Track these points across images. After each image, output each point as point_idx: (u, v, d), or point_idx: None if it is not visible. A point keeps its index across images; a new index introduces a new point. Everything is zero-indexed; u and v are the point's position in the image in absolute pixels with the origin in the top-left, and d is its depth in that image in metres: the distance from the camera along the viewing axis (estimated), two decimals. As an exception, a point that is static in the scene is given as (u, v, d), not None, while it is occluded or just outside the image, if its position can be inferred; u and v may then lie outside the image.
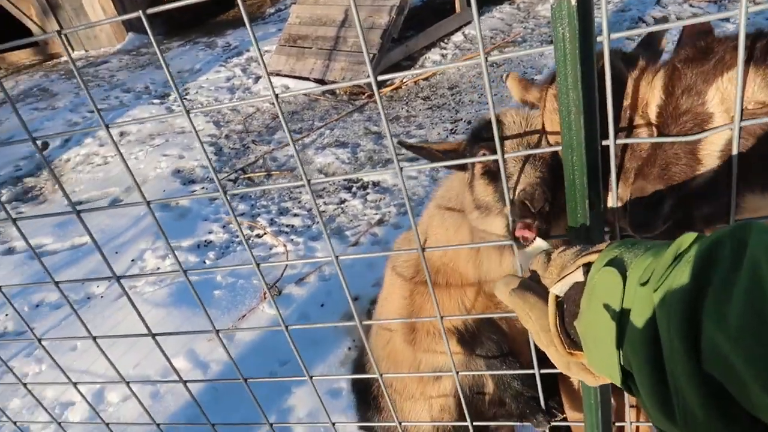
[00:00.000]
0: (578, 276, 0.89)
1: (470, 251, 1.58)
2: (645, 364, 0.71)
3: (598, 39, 0.93)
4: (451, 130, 6.05)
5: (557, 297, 0.92)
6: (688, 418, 0.66)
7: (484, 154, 1.41)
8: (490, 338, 1.61)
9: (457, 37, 8.42)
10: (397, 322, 1.80)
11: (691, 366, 0.64)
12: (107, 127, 1.28)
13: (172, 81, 1.06)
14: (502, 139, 1.42)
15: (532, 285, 0.99)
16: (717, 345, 0.60)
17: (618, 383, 0.80)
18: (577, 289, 0.89)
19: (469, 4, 8.38)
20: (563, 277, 0.91)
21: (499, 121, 1.45)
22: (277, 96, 1.10)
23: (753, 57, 1.12)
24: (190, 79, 9.08)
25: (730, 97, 1.11)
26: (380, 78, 1.06)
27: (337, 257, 1.27)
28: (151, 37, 1.06)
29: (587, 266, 0.88)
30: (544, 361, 1.35)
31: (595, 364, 0.85)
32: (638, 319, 0.73)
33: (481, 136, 1.47)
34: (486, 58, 0.98)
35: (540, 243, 1.22)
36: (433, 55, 8.04)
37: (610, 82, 0.95)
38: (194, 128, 1.14)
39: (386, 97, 7.17)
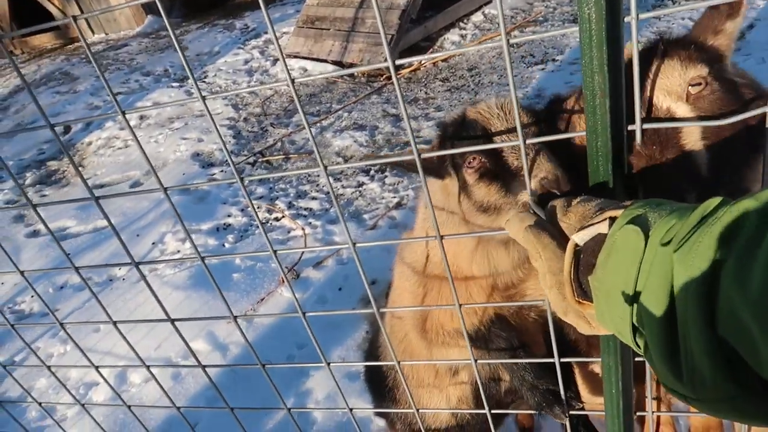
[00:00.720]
0: (603, 228, 0.88)
1: (470, 253, 1.54)
2: (657, 324, 0.72)
3: (626, 19, 0.89)
4: (471, 112, 5.97)
5: (576, 245, 0.92)
6: (696, 380, 0.67)
7: (478, 159, 1.34)
8: (500, 336, 1.60)
9: (477, 17, 8.28)
10: (410, 321, 1.78)
11: (705, 329, 0.64)
12: (123, 113, 1.27)
13: (187, 66, 1.05)
14: (491, 135, 1.36)
15: (548, 226, 0.99)
16: (735, 308, 0.60)
17: (628, 340, 0.80)
18: (597, 241, 0.89)
19: (489, -18, 8.23)
20: (587, 226, 0.90)
21: (472, 120, 1.39)
22: (293, 80, 1.08)
23: (671, 47, 1.21)
24: (209, 62, 9.08)
25: (670, 88, 1.21)
26: (398, 62, 1.03)
27: (354, 244, 1.25)
28: (166, 21, 1.04)
29: (611, 220, 0.88)
30: (561, 352, 1.33)
31: (604, 319, 0.85)
32: (655, 278, 0.73)
33: (459, 136, 1.39)
34: (508, 40, 0.94)
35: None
36: (452, 35, 7.93)
37: (637, 65, 0.91)
38: (210, 114, 1.13)
39: (404, 78, 7.10)
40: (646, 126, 0.98)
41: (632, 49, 0.89)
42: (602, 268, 0.83)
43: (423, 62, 7.28)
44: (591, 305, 0.90)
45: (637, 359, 1.25)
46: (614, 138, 0.96)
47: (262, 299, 3.88)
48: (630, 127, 0.97)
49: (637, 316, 0.77)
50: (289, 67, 7.95)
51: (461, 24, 8.17)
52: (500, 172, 1.34)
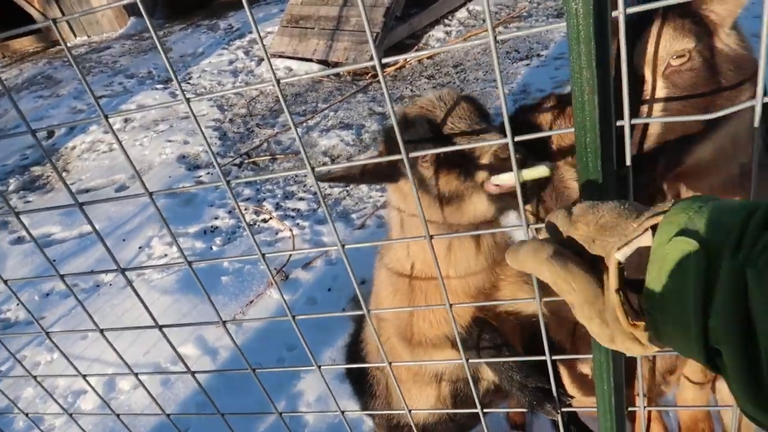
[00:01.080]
0: (646, 240, 0.80)
1: (445, 257, 1.55)
2: (736, 344, 0.64)
3: (613, 14, 0.88)
4: (457, 109, 5.97)
5: (619, 263, 0.82)
6: None
7: (430, 159, 1.36)
8: (484, 338, 1.60)
9: (461, 14, 8.28)
10: (393, 328, 1.78)
11: None
12: (106, 117, 1.25)
13: (170, 68, 1.03)
14: (439, 126, 1.37)
15: (565, 251, 0.89)
16: None
17: (701, 362, 0.73)
18: (637, 254, 0.81)
19: (473, -21, 8.24)
20: (629, 242, 0.81)
21: (416, 117, 1.40)
22: (278, 81, 1.06)
23: (662, 14, 1.17)
24: (193, 63, 9.01)
25: (651, 57, 1.19)
26: (384, 60, 1.02)
27: (343, 246, 1.24)
28: (149, 23, 1.02)
29: (652, 229, 0.79)
30: (552, 349, 1.33)
31: (671, 341, 0.77)
32: (727, 294, 0.65)
33: (408, 135, 1.39)
34: (495, 37, 0.94)
35: (543, 166, 1.19)
36: (437, 32, 7.92)
37: (626, 60, 0.90)
38: (194, 116, 1.11)
39: (390, 76, 7.08)
40: (635, 122, 0.98)
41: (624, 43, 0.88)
42: (656, 285, 0.76)
43: (408, 60, 7.27)
44: (642, 325, 0.82)
45: (628, 354, 1.25)
46: (603, 134, 0.96)
47: (251, 302, 3.86)
48: (619, 123, 0.96)
49: (712, 336, 0.69)
50: (274, 67, 7.86)
51: (446, 21, 8.17)
52: (453, 158, 1.35)
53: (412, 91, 6.62)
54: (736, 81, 1.20)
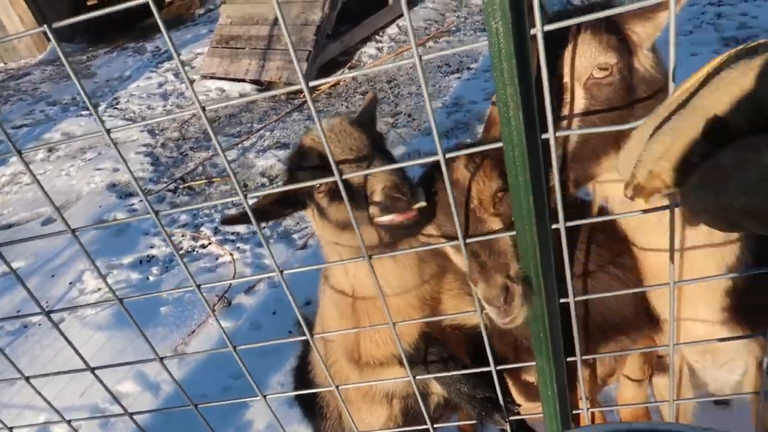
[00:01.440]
0: None
1: (389, 273, 1.58)
2: None
3: (532, 31, 0.91)
4: (392, 123, 6.03)
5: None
6: None
7: (324, 184, 1.44)
8: (431, 353, 1.61)
9: (392, 30, 8.40)
10: (341, 350, 1.77)
11: None
12: (20, 153, 1.18)
13: (86, 98, 0.98)
14: (326, 160, 1.43)
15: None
16: None
17: None
18: None
19: (401, -4, 8.39)
20: None
21: (309, 148, 1.50)
22: (203, 108, 1.03)
23: (590, 25, 1.21)
24: (120, 87, 8.73)
25: (576, 65, 1.23)
26: (312, 83, 1.02)
27: (281, 271, 1.21)
28: (59, 52, 0.97)
29: None
30: (497, 360, 1.35)
31: None
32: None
33: (300, 167, 1.51)
34: (420, 57, 0.95)
35: (421, 201, 1.35)
36: (369, 48, 8.00)
37: (546, 75, 0.93)
38: (117, 148, 1.06)
39: (325, 94, 7.08)
40: (559, 134, 1.01)
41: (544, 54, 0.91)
42: None
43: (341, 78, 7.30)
44: None
45: (568, 359, 1.28)
46: (530, 148, 0.98)
47: (193, 331, 3.73)
48: (544, 136, 0.99)
49: None
50: (205, 88, 7.64)
51: (377, 37, 8.26)
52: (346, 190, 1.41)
53: (347, 107, 6.63)
54: (647, 100, 1.26)
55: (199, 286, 1.24)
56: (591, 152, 1.27)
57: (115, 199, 5.64)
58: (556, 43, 1.25)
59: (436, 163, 1.03)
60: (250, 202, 1.18)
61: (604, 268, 1.52)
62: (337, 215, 1.45)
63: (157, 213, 1.13)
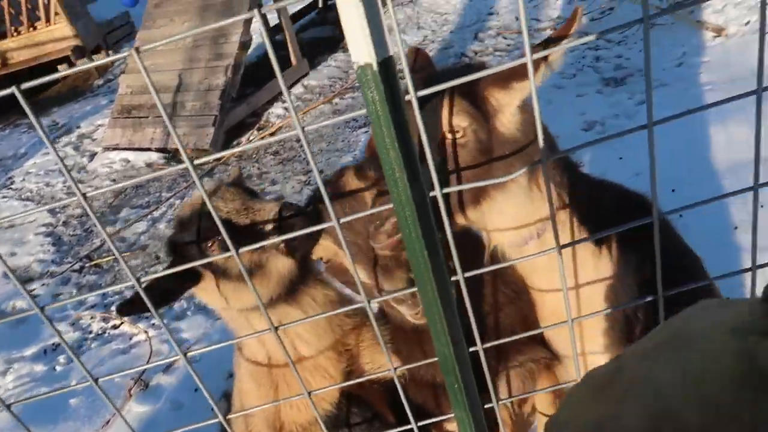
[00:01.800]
0: None
1: (298, 335, 1.59)
2: None
3: (407, 98, 0.96)
4: (305, 181, 6.06)
5: None
6: None
7: (212, 241, 1.51)
8: (354, 412, 1.59)
9: (298, 89, 8.52)
10: (262, 424, 1.71)
11: None
12: None
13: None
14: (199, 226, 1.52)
15: None
16: None
17: None
18: None
19: (304, 55, 8.56)
20: None
21: (186, 217, 1.59)
22: (84, 195, 1.00)
23: (456, 88, 1.28)
24: (15, 165, 8.26)
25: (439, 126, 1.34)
26: (196, 162, 1.01)
27: (185, 354, 1.17)
28: None
29: None
30: (417, 411, 1.35)
31: None
32: None
33: (182, 239, 1.57)
34: (303, 128, 0.97)
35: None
36: (276, 109, 8.05)
37: (425, 138, 0.97)
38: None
39: (235, 158, 7.02)
40: (446, 190, 1.05)
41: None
42: None
43: (250, 138, 7.28)
44: None
45: (486, 406, 1.30)
46: (419, 206, 1.01)
47: (108, 422, 3.47)
48: (432, 194, 1.03)
49: None
50: (109, 160, 7.35)
51: (283, 98, 8.34)
52: (239, 236, 1.44)
53: (259, 169, 6.60)
54: (509, 158, 1.33)
55: (96, 380, 1.17)
56: (461, 202, 1.36)
57: (12, 287, 5.24)
58: (437, 104, 1.32)
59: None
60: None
61: (510, 302, 1.59)
62: (236, 262, 1.46)
63: (42, 309, 1.07)
